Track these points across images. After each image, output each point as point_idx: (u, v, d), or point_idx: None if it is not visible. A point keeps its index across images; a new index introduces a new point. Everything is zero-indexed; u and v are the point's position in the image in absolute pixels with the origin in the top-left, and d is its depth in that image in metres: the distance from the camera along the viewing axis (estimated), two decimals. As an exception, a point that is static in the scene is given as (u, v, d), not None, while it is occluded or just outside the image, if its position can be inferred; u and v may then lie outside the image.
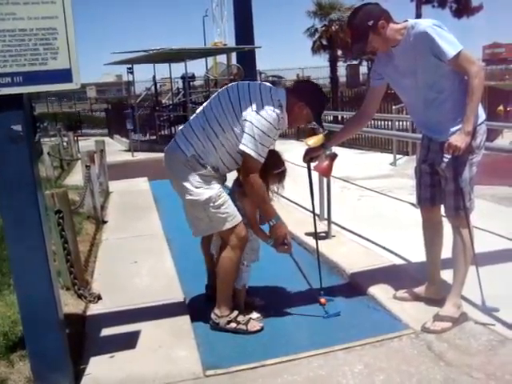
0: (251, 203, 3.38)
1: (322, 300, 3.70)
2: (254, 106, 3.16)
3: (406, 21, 3.20)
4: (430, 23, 3.04)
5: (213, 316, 3.44)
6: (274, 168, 3.42)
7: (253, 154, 3.14)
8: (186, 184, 3.22)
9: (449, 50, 2.97)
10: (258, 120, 3.13)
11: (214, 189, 3.24)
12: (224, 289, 3.41)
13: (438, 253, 3.56)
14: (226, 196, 3.29)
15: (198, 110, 3.42)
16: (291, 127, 3.43)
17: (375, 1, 3.26)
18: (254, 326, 3.42)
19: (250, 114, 3.15)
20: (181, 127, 3.49)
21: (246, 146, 3.13)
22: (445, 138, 3.13)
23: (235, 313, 3.44)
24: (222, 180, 3.38)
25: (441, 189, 3.32)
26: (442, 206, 3.42)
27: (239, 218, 3.31)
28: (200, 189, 3.22)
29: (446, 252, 3.43)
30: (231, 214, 3.27)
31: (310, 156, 3.65)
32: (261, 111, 3.14)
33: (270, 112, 3.15)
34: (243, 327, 3.40)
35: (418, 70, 3.14)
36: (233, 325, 3.40)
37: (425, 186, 3.43)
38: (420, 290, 3.64)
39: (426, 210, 3.52)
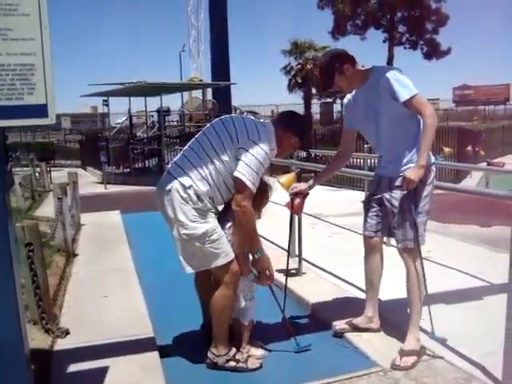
0: (241, 234, 3.34)
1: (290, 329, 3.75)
2: (251, 136, 3.24)
3: (373, 66, 3.52)
4: (391, 69, 3.37)
5: (210, 355, 3.37)
6: (259, 195, 3.39)
7: (248, 182, 3.15)
8: (182, 217, 3.16)
9: (403, 93, 3.25)
10: (255, 149, 3.20)
11: (210, 223, 3.21)
12: (220, 327, 3.35)
13: (378, 282, 3.75)
14: (220, 231, 3.26)
15: (189, 143, 3.42)
16: (280, 156, 3.55)
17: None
18: (253, 363, 3.39)
19: (246, 142, 3.22)
20: (173, 160, 3.44)
21: (243, 174, 3.15)
22: (392, 175, 3.41)
23: (233, 351, 3.39)
24: (216, 212, 3.35)
25: (386, 222, 3.53)
26: (392, 239, 3.66)
27: (232, 254, 3.28)
28: (196, 223, 3.16)
29: (398, 284, 3.50)
30: (225, 250, 3.24)
31: (294, 191, 3.78)
32: (257, 141, 3.23)
33: (265, 142, 3.25)
34: (243, 365, 3.35)
35: (379, 111, 3.38)
36: (232, 363, 3.35)
37: (371, 217, 3.63)
38: (359, 320, 3.77)
39: (368, 241, 3.70)
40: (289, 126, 3.47)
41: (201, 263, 3.28)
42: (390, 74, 3.30)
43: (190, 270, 3.31)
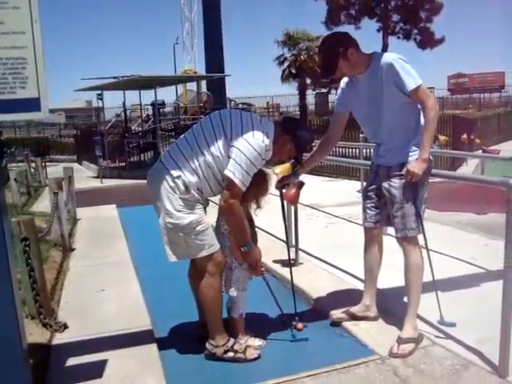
0: (229, 228, 3.34)
1: (299, 326, 3.74)
2: (245, 134, 3.17)
3: (374, 52, 3.40)
4: (396, 56, 3.25)
5: (208, 346, 3.38)
6: (257, 186, 3.36)
7: (237, 181, 3.12)
8: (168, 206, 3.16)
9: (410, 82, 3.17)
10: (247, 148, 3.13)
11: (196, 214, 3.21)
12: (214, 318, 3.36)
13: (377, 272, 3.75)
14: (206, 223, 3.25)
15: (185, 133, 3.40)
16: (274, 159, 3.48)
17: (345, 30, 3.52)
18: (252, 353, 3.39)
19: (239, 140, 3.15)
20: (166, 149, 3.41)
21: (232, 172, 3.11)
22: (391, 163, 3.37)
23: (231, 341, 3.39)
24: (204, 204, 3.35)
25: (385, 212, 3.51)
26: (390, 229, 3.65)
27: (217, 246, 3.28)
28: (181, 212, 3.16)
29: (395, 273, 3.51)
30: (209, 242, 3.24)
31: (282, 183, 3.74)
32: (250, 140, 3.16)
33: (258, 141, 3.17)
34: (242, 355, 3.36)
35: (381, 98, 3.30)
36: (230, 354, 3.36)
37: (370, 208, 3.61)
38: (356, 309, 3.79)
39: (369, 232, 3.69)
40: (288, 129, 3.39)
41: (184, 253, 3.29)
42: (396, 62, 3.18)
43: (173, 258, 3.30)
